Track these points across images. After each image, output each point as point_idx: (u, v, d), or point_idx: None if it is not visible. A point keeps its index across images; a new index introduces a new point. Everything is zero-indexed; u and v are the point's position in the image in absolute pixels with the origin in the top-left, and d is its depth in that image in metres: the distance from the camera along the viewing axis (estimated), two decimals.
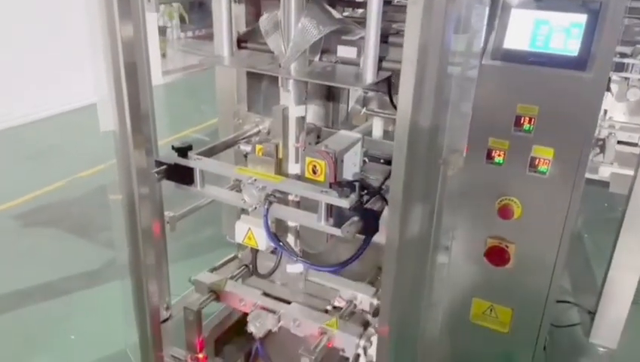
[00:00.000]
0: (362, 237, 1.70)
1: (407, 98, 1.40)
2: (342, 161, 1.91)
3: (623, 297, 3.22)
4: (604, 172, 3.69)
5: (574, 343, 3.38)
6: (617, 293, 3.23)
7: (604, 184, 3.62)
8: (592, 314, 3.39)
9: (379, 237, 1.75)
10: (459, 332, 2.30)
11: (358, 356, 1.99)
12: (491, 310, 2.23)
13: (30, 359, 3.24)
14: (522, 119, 1.93)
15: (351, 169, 2.00)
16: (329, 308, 2.11)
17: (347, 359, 2.17)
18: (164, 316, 2.20)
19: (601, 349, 3.34)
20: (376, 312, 2.04)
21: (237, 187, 2.11)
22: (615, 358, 3.31)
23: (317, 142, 2.06)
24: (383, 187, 1.91)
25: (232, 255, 2.52)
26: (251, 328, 2.04)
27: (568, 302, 3.60)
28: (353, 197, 1.63)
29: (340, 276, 2.12)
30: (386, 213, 1.67)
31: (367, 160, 2.19)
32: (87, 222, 4.84)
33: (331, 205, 1.67)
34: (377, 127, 2.82)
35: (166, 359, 2.14)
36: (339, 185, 1.68)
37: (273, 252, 2.11)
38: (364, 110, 2.85)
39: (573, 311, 3.58)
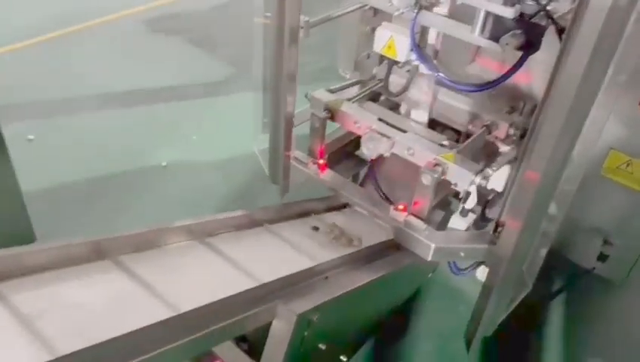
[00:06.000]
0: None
1: None
2: None
3: None
4: None
5: None
6: None
7: None
8: None
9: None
10: (585, 184, 2.19)
11: (468, 194, 1.97)
12: (628, 165, 2.08)
13: (154, 151, 3.54)
14: None
15: None
16: (445, 143, 2.06)
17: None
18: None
19: None
20: (509, 141, 1.98)
21: None
22: None
23: None
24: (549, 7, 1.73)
25: (351, 80, 2.47)
26: (364, 149, 2.04)
27: None
28: (519, 6, 1.47)
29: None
30: None
31: None
32: (209, 36, 4.95)
33: (490, 15, 1.53)
34: None
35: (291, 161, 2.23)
36: None
37: None
38: None
39: None
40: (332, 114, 2.17)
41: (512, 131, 2.01)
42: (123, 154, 3.49)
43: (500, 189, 2.01)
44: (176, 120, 3.88)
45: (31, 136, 3.49)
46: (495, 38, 1.53)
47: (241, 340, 1.75)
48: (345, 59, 2.77)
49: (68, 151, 3.46)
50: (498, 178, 1.96)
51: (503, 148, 2.06)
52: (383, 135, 2.02)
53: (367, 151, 2.03)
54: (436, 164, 1.90)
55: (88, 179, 3.25)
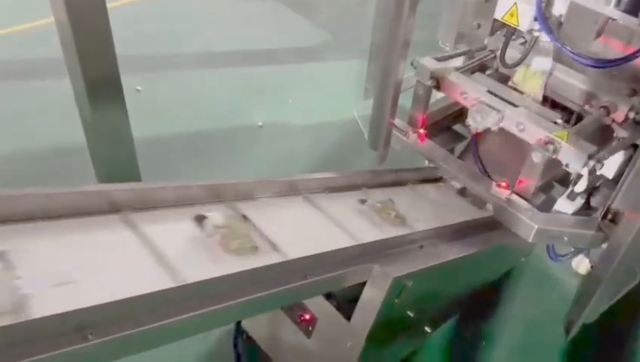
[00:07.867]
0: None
1: None
2: None
3: None
4: None
5: None
6: None
7: None
8: None
9: None
10: None
11: (580, 176, 1.86)
12: None
13: (250, 112, 3.61)
14: None
15: None
16: (559, 121, 1.95)
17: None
18: None
19: None
20: (627, 126, 1.87)
21: None
22: None
23: None
24: None
25: (459, 49, 2.38)
26: (470, 121, 1.98)
27: None
28: None
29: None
30: None
31: None
32: (308, 3, 4.95)
33: None
34: None
35: None
36: None
37: None
38: None
39: None
40: (438, 83, 2.12)
41: (631, 115, 1.89)
42: (220, 111, 3.60)
43: (610, 176, 1.91)
44: (272, 83, 3.94)
45: (139, 87, 3.68)
46: (633, 11, 1.43)
47: (328, 296, 1.80)
48: (446, 31, 2.69)
49: (171, 104, 3.62)
50: (611, 164, 1.86)
51: (620, 132, 1.94)
52: (492, 108, 1.96)
53: (474, 123, 1.97)
54: (548, 142, 1.82)
55: (187, 132, 3.39)
